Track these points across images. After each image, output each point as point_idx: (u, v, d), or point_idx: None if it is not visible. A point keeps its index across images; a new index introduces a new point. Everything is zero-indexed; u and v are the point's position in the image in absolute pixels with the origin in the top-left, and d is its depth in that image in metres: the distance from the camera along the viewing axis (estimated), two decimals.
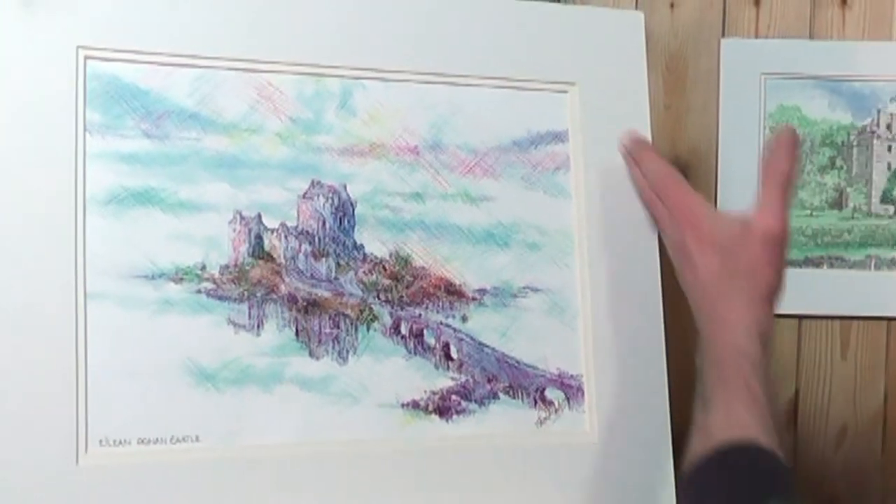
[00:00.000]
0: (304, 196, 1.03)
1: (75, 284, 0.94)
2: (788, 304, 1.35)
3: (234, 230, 1.00)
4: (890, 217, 1.40)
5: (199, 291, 0.98)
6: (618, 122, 1.13)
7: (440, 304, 1.06)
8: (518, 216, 1.10)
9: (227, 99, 1.02)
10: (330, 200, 1.03)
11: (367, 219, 1.04)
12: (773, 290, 1.01)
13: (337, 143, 1.05)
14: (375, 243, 1.04)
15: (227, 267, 0.99)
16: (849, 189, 1.40)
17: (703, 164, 1.39)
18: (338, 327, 1.02)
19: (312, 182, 1.03)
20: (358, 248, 1.04)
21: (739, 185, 1.38)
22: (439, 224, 1.07)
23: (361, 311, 1.03)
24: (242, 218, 1.00)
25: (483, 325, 1.07)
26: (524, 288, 1.09)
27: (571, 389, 1.08)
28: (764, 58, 1.39)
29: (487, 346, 1.07)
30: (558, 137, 1.12)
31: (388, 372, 1.03)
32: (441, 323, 1.06)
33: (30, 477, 0.90)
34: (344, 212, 1.04)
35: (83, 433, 0.92)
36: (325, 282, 1.03)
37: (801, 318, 1.41)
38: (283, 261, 1.01)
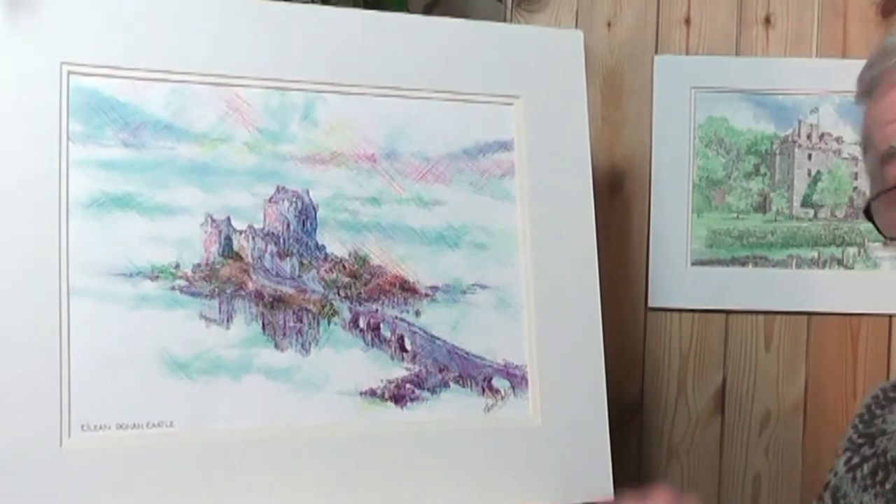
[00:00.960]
0: (269, 200, 1.04)
1: (59, 281, 0.95)
2: (716, 299, 1.42)
3: (206, 232, 1.01)
4: (810, 220, 1.42)
5: (173, 288, 0.99)
6: (559, 133, 1.15)
7: (395, 299, 1.07)
8: (467, 219, 1.11)
9: (198, 111, 1.03)
10: (294, 204, 1.05)
11: (328, 221, 1.06)
12: None
13: (300, 152, 1.06)
14: (336, 244, 1.06)
15: (199, 266, 1.00)
16: (772, 194, 1.42)
17: (638, 171, 1.41)
18: (301, 321, 1.03)
19: (277, 188, 1.04)
20: (319, 248, 1.05)
21: (671, 190, 1.41)
22: (394, 226, 1.08)
23: (323, 307, 1.04)
24: (213, 220, 1.02)
25: (435, 319, 1.08)
26: (473, 285, 1.10)
27: (516, 378, 1.10)
28: (694, 73, 1.41)
29: (439, 339, 1.08)
30: (504, 146, 1.13)
31: (347, 362, 1.04)
32: (396, 317, 1.07)
33: (17, 459, 0.91)
34: (307, 215, 1.05)
35: (66, 419, 0.93)
36: (289, 279, 1.04)
37: (728, 312, 1.43)
38: (250, 260, 1.02)
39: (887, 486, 0.91)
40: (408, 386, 1.06)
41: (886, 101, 0.93)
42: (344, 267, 1.06)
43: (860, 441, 0.98)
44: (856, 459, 0.96)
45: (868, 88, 0.96)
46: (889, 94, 0.93)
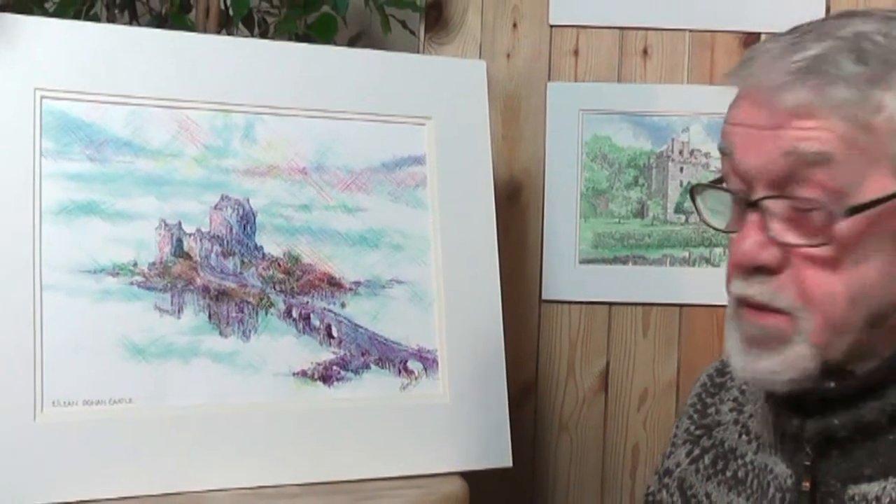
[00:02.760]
0: (215, 207, 1.08)
1: (33, 278, 0.99)
2: (601, 293, 1.45)
3: (160, 234, 1.05)
4: (682, 224, 1.45)
5: (131, 283, 1.03)
6: (466, 149, 1.19)
7: (324, 293, 1.11)
8: (386, 223, 1.15)
9: (154, 130, 1.06)
10: (236, 211, 1.09)
11: (266, 226, 1.10)
12: None
13: (241, 166, 1.10)
14: (272, 245, 1.10)
15: (154, 264, 1.05)
16: (649, 202, 1.45)
17: (533, 182, 1.44)
18: (242, 312, 1.07)
19: (222, 196, 1.08)
20: (258, 248, 1.09)
21: (562, 198, 1.44)
22: (323, 230, 1.12)
23: (261, 299, 1.08)
24: (166, 225, 1.06)
25: (358, 310, 1.12)
26: (391, 280, 1.14)
27: (428, 361, 1.14)
28: (582, 97, 1.43)
29: (361, 327, 1.12)
30: (418, 161, 1.17)
31: (282, 348, 1.08)
32: (324, 308, 1.11)
33: None
34: (247, 220, 1.09)
35: (39, 396, 0.97)
36: (232, 276, 1.08)
37: (611, 304, 1.45)
38: (198, 259, 1.06)
39: (728, 474, 0.90)
40: (334, 368, 1.10)
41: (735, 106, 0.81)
42: (279, 265, 1.09)
43: (698, 433, 0.96)
44: (696, 451, 0.94)
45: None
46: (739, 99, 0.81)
